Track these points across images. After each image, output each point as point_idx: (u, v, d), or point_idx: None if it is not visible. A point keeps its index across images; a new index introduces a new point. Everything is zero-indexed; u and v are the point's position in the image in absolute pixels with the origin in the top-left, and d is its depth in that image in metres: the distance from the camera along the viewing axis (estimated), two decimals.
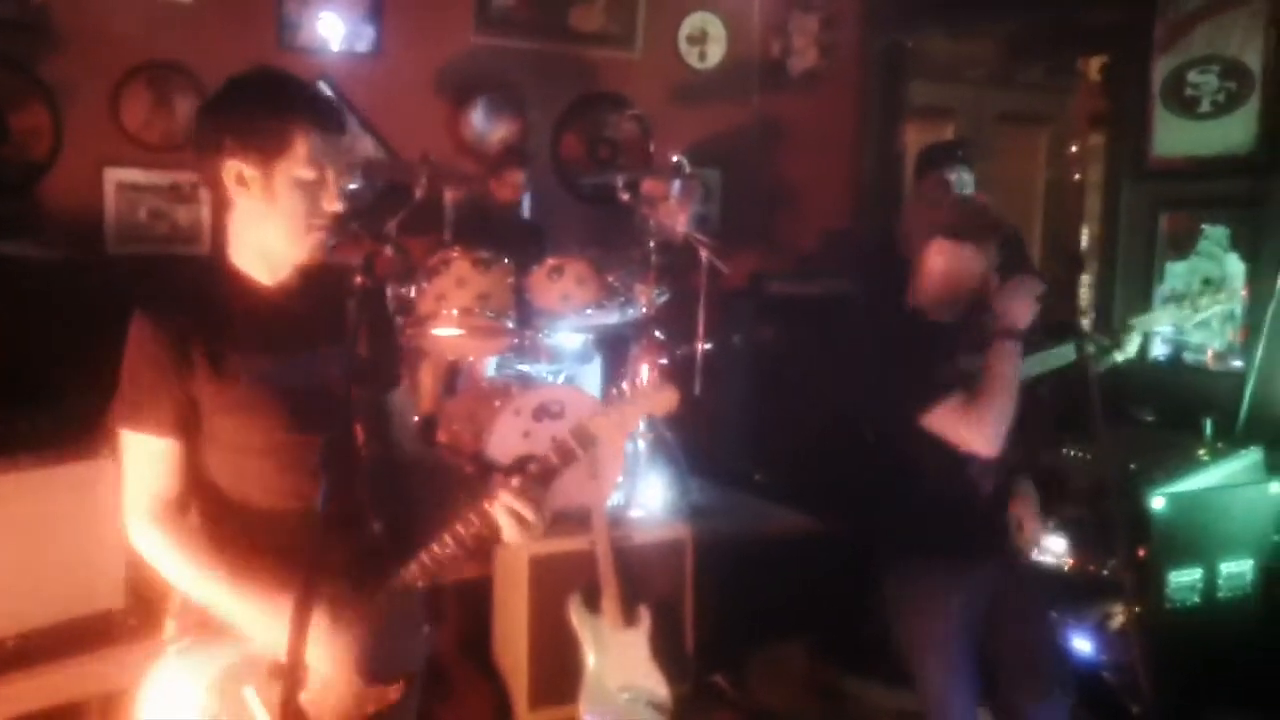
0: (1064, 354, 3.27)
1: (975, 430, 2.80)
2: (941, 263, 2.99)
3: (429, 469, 2.31)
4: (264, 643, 1.92)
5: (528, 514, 1.97)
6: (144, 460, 1.96)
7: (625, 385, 2.12)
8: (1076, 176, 7.48)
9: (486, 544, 2.00)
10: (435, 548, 2.00)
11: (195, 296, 2.00)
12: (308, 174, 1.94)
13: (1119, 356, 3.35)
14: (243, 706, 1.92)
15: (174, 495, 1.98)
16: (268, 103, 1.95)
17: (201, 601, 1.96)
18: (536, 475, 2.02)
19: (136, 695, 1.92)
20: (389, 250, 1.89)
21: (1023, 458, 3.11)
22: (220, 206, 2.04)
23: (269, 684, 1.92)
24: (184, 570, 1.95)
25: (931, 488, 2.95)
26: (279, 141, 1.93)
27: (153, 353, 1.93)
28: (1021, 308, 2.84)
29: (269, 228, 1.98)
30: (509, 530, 1.98)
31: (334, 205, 1.98)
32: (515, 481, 1.99)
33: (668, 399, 2.14)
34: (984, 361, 2.85)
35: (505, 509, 1.97)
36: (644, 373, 4.60)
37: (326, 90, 2.10)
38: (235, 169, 1.94)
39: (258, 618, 1.92)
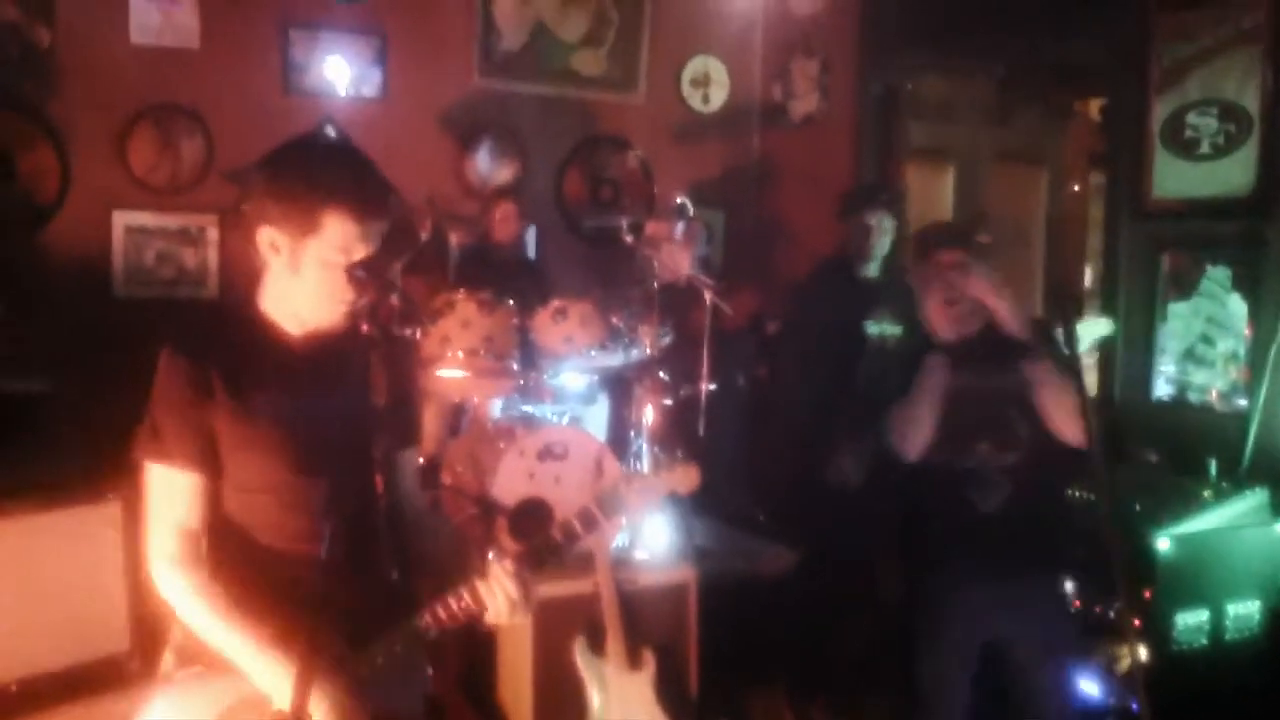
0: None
1: (895, 431, 3.00)
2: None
3: (431, 532, 2.34)
4: (270, 695, 1.92)
5: (516, 596, 2.00)
6: (168, 494, 1.99)
7: (650, 460, 2.22)
8: (1080, 214, 7.51)
9: (474, 619, 2.03)
10: (426, 617, 2.02)
11: (222, 336, 2.05)
12: (335, 257, 1.98)
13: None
14: None
15: (196, 530, 2.00)
16: (308, 182, 1.96)
17: (214, 647, 1.97)
18: (561, 539, 2.09)
19: None
20: (394, 298, 1.92)
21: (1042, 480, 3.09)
22: (254, 266, 2.07)
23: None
24: (202, 617, 1.97)
25: (929, 507, 3.07)
26: (310, 222, 1.96)
27: (179, 387, 1.97)
28: (932, 316, 3.03)
29: (294, 293, 2.03)
30: (495, 610, 2.01)
31: (355, 290, 2.00)
32: (508, 563, 2.03)
33: (690, 477, 2.25)
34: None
35: (498, 587, 2.00)
36: (648, 415, 4.61)
37: (372, 167, 2.10)
38: (269, 235, 1.99)
39: (268, 673, 1.93)
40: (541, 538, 2.10)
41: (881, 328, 4.06)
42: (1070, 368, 2.86)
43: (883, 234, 4.46)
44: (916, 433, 2.99)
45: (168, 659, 2.08)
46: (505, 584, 1.99)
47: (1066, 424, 2.94)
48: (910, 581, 3.17)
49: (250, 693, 1.95)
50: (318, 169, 1.98)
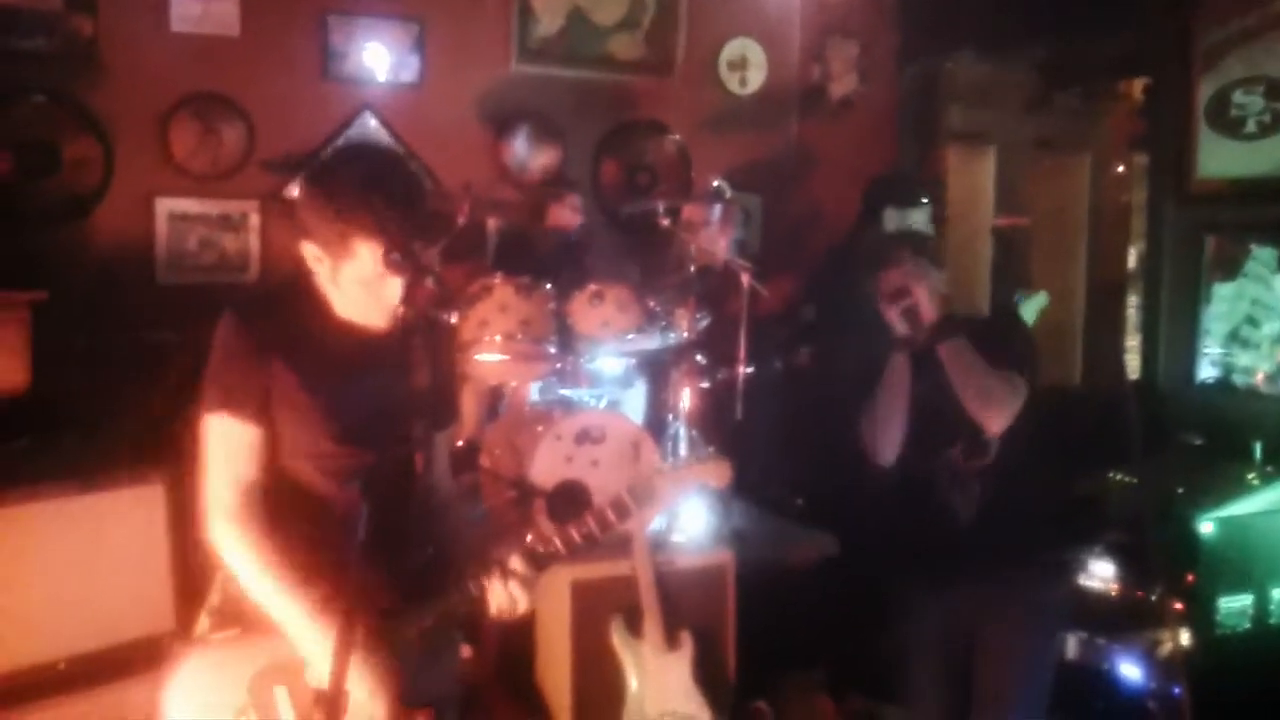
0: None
1: (866, 438, 2.94)
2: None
3: (456, 515, 2.38)
4: (308, 654, 1.96)
5: (518, 596, 2.07)
6: (230, 447, 2.03)
7: (683, 451, 2.26)
8: (1124, 198, 7.41)
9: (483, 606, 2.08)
10: (460, 596, 2.08)
11: (278, 307, 2.11)
12: (370, 277, 2.01)
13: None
14: (272, 706, 1.97)
15: (255, 483, 2.04)
16: (340, 206, 1.97)
17: (260, 603, 2.00)
18: (594, 526, 2.14)
19: (169, 682, 1.96)
20: (430, 281, 1.93)
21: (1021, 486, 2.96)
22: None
23: (299, 686, 1.97)
24: (254, 573, 2.00)
25: (904, 505, 3.00)
26: (343, 245, 1.99)
27: (240, 345, 2.03)
28: (886, 314, 2.92)
29: (338, 301, 2.08)
30: (496, 602, 2.07)
31: (396, 300, 2.02)
32: (515, 563, 2.08)
33: (722, 471, 2.30)
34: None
35: (501, 584, 2.05)
36: (685, 399, 4.61)
37: (410, 188, 2.09)
38: (311, 250, 2.03)
39: (311, 639, 1.96)
40: (573, 529, 2.14)
41: None
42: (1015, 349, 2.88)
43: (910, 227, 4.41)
44: (886, 436, 2.92)
45: (203, 622, 2.12)
46: (509, 582, 2.06)
47: (977, 408, 2.83)
48: (888, 590, 3.09)
49: (284, 657, 1.98)
50: (349, 198, 1.97)
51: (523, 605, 2.07)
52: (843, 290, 4.34)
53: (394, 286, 2.00)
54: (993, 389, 2.83)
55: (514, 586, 2.06)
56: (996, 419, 2.82)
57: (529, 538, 2.12)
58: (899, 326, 2.91)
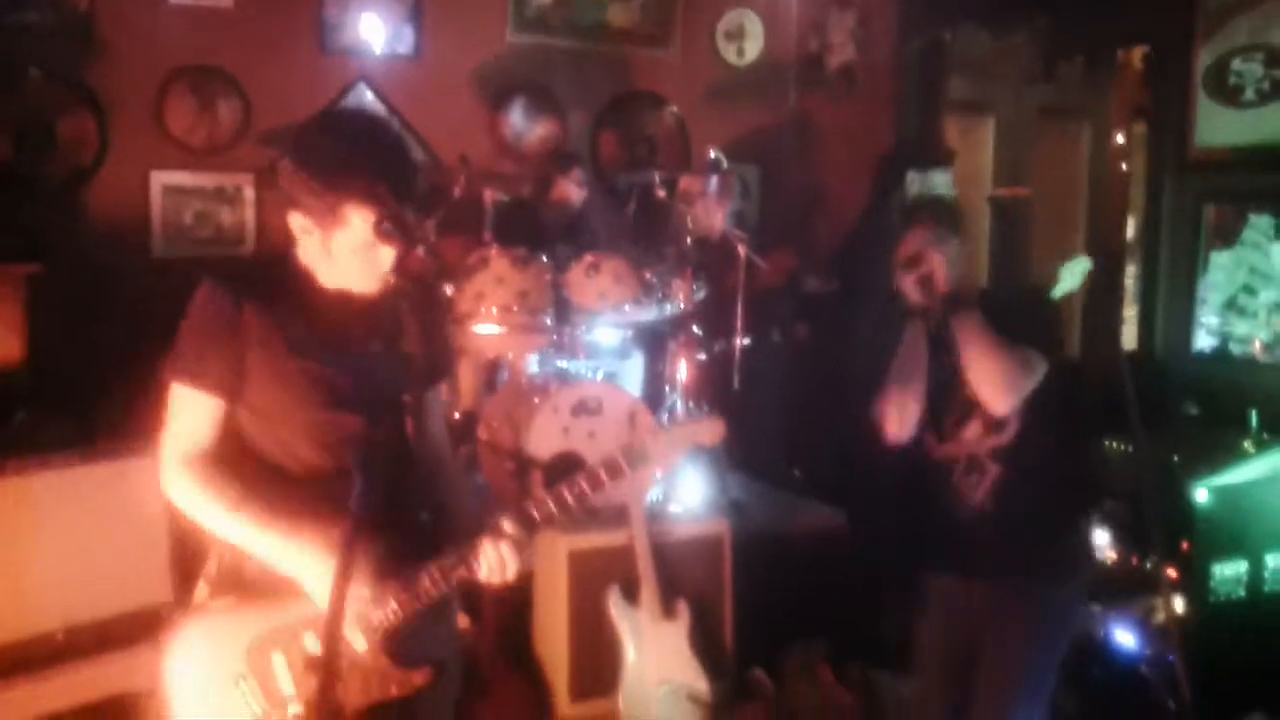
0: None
1: (881, 414, 2.74)
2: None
3: (453, 471, 2.36)
4: (304, 582, 1.96)
5: (509, 561, 2.04)
6: (189, 415, 2.03)
7: (676, 411, 2.22)
8: (1124, 167, 7.39)
9: (474, 575, 2.06)
10: (454, 559, 2.05)
11: (260, 278, 2.09)
12: (362, 245, 1.99)
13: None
14: (270, 671, 1.97)
15: (212, 450, 2.03)
16: (328, 175, 1.95)
17: (237, 541, 2.01)
18: (585, 485, 2.10)
19: (167, 650, 1.96)
20: (420, 250, 1.92)
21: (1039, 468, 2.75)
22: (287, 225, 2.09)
23: (297, 652, 1.97)
24: (219, 512, 2.00)
25: (913, 486, 2.84)
26: (332, 214, 1.97)
27: (212, 315, 2.01)
28: (900, 282, 2.75)
29: (328, 271, 2.06)
30: (487, 567, 2.04)
31: (388, 267, 2.01)
32: (507, 525, 2.05)
33: (716, 430, 2.24)
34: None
35: (493, 548, 2.03)
36: (682, 370, 4.62)
37: (399, 153, 2.07)
38: (299, 220, 2.01)
39: (296, 556, 1.96)
40: (565, 489, 2.10)
41: None
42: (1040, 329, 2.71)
43: (932, 189, 4.32)
44: (900, 412, 2.72)
45: (201, 589, 2.12)
46: (500, 546, 2.03)
47: (982, 385, 2.65)
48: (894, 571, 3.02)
49: (281, 623, 1.99)
50: (337, 164, 1.96)
51: (513, 569, 2.05)
52: (862, 259, 4.30)
53: (386, 254, 2.00)
54: (1002, 367, 2.63)
55: (505, 549, 2.03)
56: (1001, 399, 2.63)
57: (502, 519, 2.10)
58: (912, 295, 2.73)
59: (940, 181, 4.43)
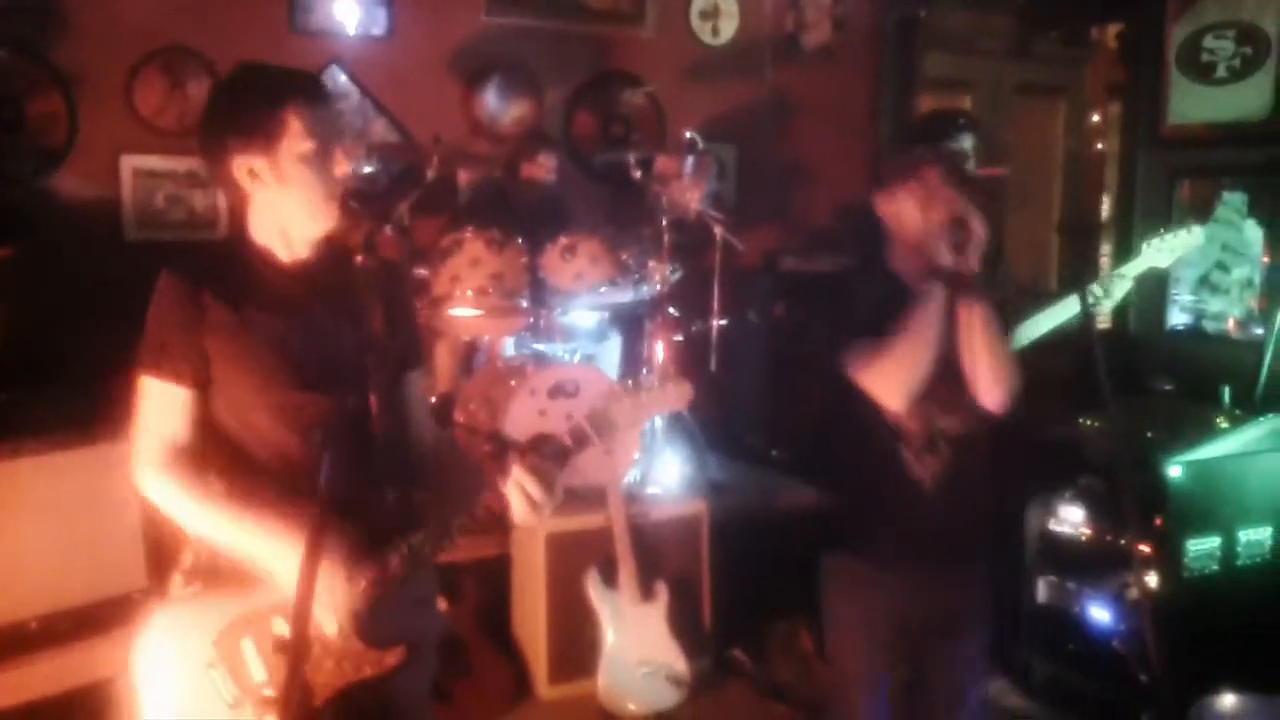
0: (1067, 307, 3.31)
1: (877, 374, 2.50)
2: (887, 219, 2.66)
3: (445, 457, 2.34)
4: (276, 573, 1.95)
5: (537, 492, 2.00)
6: (161, 408, 2.02)
7: (643, 376, 2.14)
8: (1099, 146, 7.42)
9: (497, 521, 2.03)
10: (448, 523, 2.03)
11: (218, 263, 2.10)
12: (309, 147, 2.01)
13: (1107, 304, 3.47)
14: (240, 658, 1.96)
15: (186, 443, 2.03)
16: (254, 93, 2.03)
17: (212, 538, 2.00)
18: (550, 457, 2.05)
19: (137, 641, 1.95)
20: (389, 230, 1.91)
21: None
22: (237, 203, 2.11)
23: (267, 638, 1.96)
24: (193, 509, 2.00)
25: (866, 469, 2.67)
26: (275, 125, 2.00)
27: (175, 306, 2.01)
28: (928, 238, 2.52)
29: (288, 210, 2.06)
30: (519, 508, 2.01)
31: (343, 170, 2.05)
32: (528, 459, 2.02)
33: (683, 393, 2.19)
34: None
35: (516, 486, 2.00)
36: (659, 351, 4.61)
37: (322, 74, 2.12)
38: (244, 165, 2.02)
39: (269, 548, 1.95)
40: (535, 456, 2.06)
41: None
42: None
43: (970, 158, 4.14)
44: (911, 378, 2.48)
45: (176, 581, 2.11)
46: (523, 478, 1.99)
47: (987, 377, 2.54)
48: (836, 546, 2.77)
49: (250, 610, 1.98)
50: (256, 81, 2.05)
51: (544, 501, 1.99)
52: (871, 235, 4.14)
53: (340, 164, 2.04)
54: (1004, 360, 2.54)
55: (530, 483, 1.98)
56: (999, 391, 2.54)
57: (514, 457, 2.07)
58: (945, 260, 2.49)
59: (972, 150, 4.24)
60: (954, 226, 2.49)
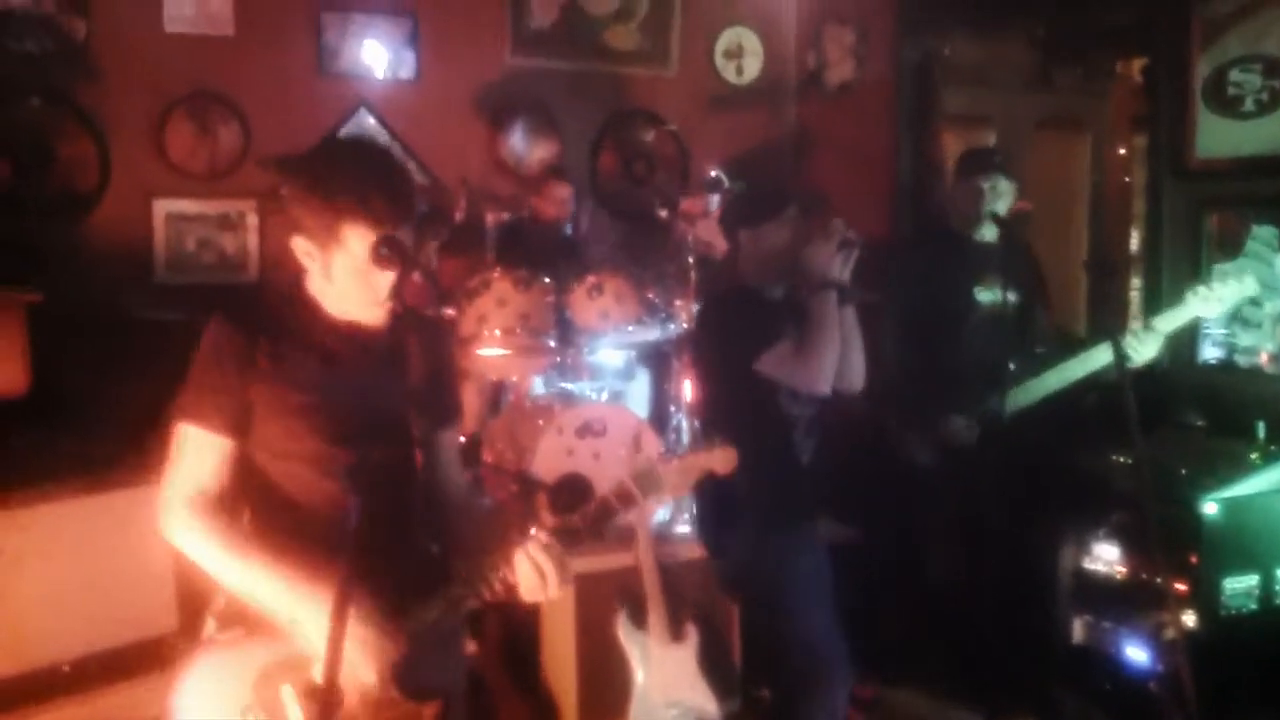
0: (1101, 355, 3.37)
1: (804, 368, 3.01)
2: (751, 247, 3.27)
3: (472, 512, 2.36)
4: (303, 628, 1.94)
5: (548, 571, 1.99)
6: (196, 454, 2.02)
7: (690, 439, 2.17)
8: (1127, 179, 7.38)
9: (509, 593, 2.03)
10: (462, 587, 2.03)
11: (269, 310, 2.10)
12: (361, 267, 2.00)
13: (1137, 358, 3.47)
14: (278, 703, 1.95)
15: (217, 492, 2.03)
16: (325, 198, 1.98)
17: (240, 589, 1.99)
18: (595, 514, 2.08)
19: (175, 685, 1.95)
20: (417, 276, 1.93)
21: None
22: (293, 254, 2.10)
23: (305, 684, 1.95)
24: (221, 558, 1.99)
25: (765, 453, 3.08)
26: (333, 237, 1.99)
27: (223, 354, 2.02)
28: (824, 259, 3.03)
29: (332, 296, 2.07)
30: (527, 584, 2.00)
31: (387, 292, 2.03)
32: (543, 536, 2.03)
33: (729, 458, 2.23)
34: (807, 314, 3.05)
35: (529, 561, 1.99)
36: (687, 389, 4.61)
37: (396, 174, 2.09)
38: (302, 244, 2.03)
39: (297, 603, 1.94)
40: (577, 515, 2.09)
41: (994, 294, 3.92)
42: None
43: (997, 197, 4.15)
44: (829, 369, 3.04)
45: (210, 624, 2.11)
46: (537, 557, 1.99)
47: (857, 370, 3.18)
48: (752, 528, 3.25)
49: (289, 655, 1.97)
50: (335, 184, 1.97)
51: (553, 581, 1.99)
52: (938, 264, 4.17)
53: (384, 279, 2.01)
54: (835, 355, 3.02)
55: (542, 560, 1.99)
56: (858, 381, 3.18)
57: (532, 530, 2.09)
58: (838, 274, 3.05)
59: (1003, 190, 4.23)
60: (842, 249, 3.04)
